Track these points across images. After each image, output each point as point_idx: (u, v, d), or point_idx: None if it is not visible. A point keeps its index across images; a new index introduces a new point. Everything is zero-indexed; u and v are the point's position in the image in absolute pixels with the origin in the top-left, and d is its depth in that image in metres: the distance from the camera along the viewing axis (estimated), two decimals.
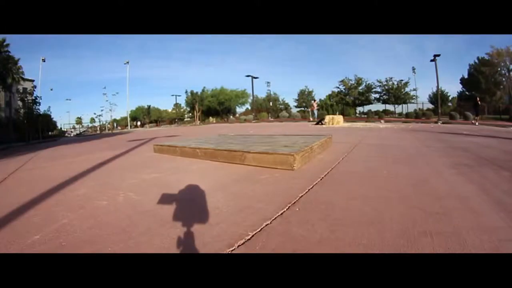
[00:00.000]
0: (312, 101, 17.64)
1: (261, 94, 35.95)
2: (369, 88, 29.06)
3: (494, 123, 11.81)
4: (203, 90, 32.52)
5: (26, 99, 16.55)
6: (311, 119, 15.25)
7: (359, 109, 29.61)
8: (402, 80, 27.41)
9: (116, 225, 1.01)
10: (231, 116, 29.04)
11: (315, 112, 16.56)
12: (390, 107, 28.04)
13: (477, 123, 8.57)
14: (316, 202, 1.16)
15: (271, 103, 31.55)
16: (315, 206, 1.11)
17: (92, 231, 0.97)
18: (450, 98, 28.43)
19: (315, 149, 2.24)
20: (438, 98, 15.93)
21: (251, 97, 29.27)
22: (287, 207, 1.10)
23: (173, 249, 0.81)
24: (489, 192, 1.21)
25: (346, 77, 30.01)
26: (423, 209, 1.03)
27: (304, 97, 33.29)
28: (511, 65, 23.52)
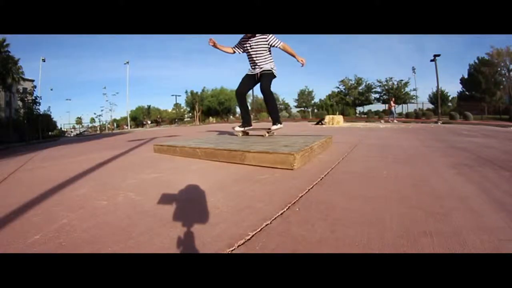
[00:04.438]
0: (391, 99, 16.32)
1: (261, 94, 35.84)
2: (369, 88, 29.10)
3: (494, 123, 11.82)
4: (203, 90, 32.56)
5: (26, 99, 16.56)
6: (390, 120, 13.86)
7: (359, 109, 29.67)
8: (402, 80, 27.48)
9: (116, 225, 1.01)
10: (231, 116, 29.01)
11: (393, 111, 15.15)
12: None
13: None
14: (316, 202, 1.16)
15: None
16: (315, 206, 1.11)
17: (92, 231, 0.96)
18: (450, 98, 28.46)
19: (315, 149, 2.24)
20: (438, 98, 15.95)
21: (251, 97, 29.30)
22: (287, 207, 1.10)
23: (173, 249, 0.81)
24: (489, 192, 1.21)
25: (346, 77, 30.15)
26: (423, 209, 1.03)
27: (304, 97, 33.27)
28: (511, 65, 23.55)
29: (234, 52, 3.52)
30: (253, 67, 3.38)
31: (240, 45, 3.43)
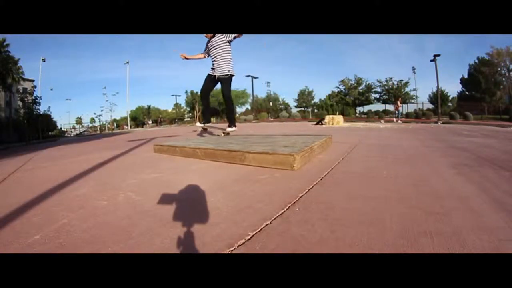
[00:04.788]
0: (397, 99, 16.31)
1: (261, 94, 35.97)
2: (369, 88, 29.10)
3: (494, 123, 11.83)
4: None
5: (26, 99, 16.55)
6: (395, 120, 14.03)
7: (359, 109, 29.68)
8: (402, 80, 27.49)
9: (116, 225, 1.01)
10: None
11: (398, 112, 15.36)
12: (390, 107, 28.15)
13: None
14: (316, 202, 1.16)
15: (271, 103, 31.59)
16: (315, 206, 1.11)
17: (92, 231, 0.96)
18: (450, 98, 28.47)
19: (315, 149, 2.24)
20: (438, 98, 15.96)
21: (251, 97, 29.31)
22: (287, 207, 1.10)
23: (173, 249, 0.81)
24: (489, 192, 1.21)
25: (346, 77, 30.16)
26: (423, 209, 1.03)
27: (304, 97, 33.32)
28: (511, 65, 23.53)
29: (205, 56, 3.68)
30: (212, 67, 3.49)
31: (206, 48, 3.54)
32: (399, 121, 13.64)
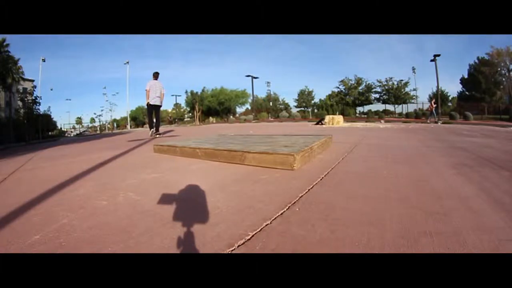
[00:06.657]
0: (431, 100, 15.63)
1: (261, 94, 35.93)
2: (369, 88, 29.09)
3: (494, 123, 11.82)
4: (203, 90, 32.59)
5: (26, 99, 16.51)
6: (428, 121, 13.12)
7: (359, 109, 29.68)
8: (402, 80, 27.47)
9: (116, 225, 1.01)
10: (231, 116, 29.03)
11: (434, 112, 14.83)
12: (390, 107, 28.15)
13: None
14: (316, 202, 1.16)
15: (271, 103, 31.60)
16: (315, 206, 1.11)
17: (92, 231, 0.97)
18: (450, 98, 28.47)
19: (315, 149, 2.24)
20: (438, 98, 15.94)
21: (251, 97, 29.31)
22: (287, 207, 1.10)
23: (173, 249, 0.81)
24: (489, 192, 1.21)
25: (346, 77, 30.10)
26: (423, 209, 1.03)
27: (304, 97, 33.34)
28: (511, 65, 23.51)
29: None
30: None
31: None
32: (439, 122, 12.86)
